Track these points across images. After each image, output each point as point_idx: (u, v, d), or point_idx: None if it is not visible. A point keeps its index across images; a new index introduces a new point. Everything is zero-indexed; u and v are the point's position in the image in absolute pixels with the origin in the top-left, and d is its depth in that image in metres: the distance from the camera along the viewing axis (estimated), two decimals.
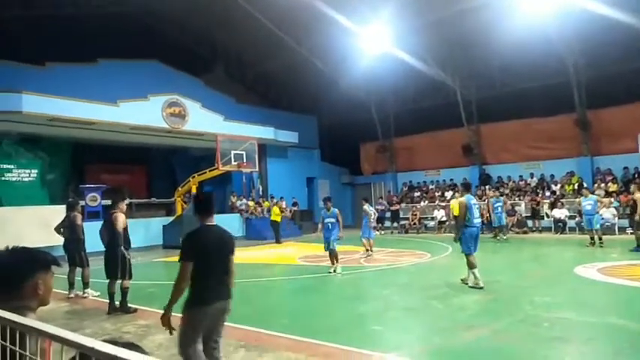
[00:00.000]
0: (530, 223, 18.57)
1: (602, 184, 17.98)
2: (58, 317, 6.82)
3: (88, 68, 16.63)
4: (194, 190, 18.22)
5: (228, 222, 20.04)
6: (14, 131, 15.95)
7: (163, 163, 24.36)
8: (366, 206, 13.24)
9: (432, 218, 20.97)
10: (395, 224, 21.84)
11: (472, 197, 8.32)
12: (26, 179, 16.40)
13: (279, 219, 18.18)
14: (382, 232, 20.68)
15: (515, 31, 15.89)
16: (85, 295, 8.46)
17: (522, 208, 19.04)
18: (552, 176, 20.17)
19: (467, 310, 6.46)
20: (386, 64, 19.24)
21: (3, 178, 15.94)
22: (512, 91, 19.98)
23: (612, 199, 16.72)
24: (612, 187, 17.88)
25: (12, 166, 16.22)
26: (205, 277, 3.41)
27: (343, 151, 26.42)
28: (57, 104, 14.57)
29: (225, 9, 19.43)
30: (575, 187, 18.63)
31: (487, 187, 20.09)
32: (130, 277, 7.17)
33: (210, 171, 18.01)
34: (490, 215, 16.47)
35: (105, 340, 1.09)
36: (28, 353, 1.30)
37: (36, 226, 12.94)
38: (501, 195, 18.00)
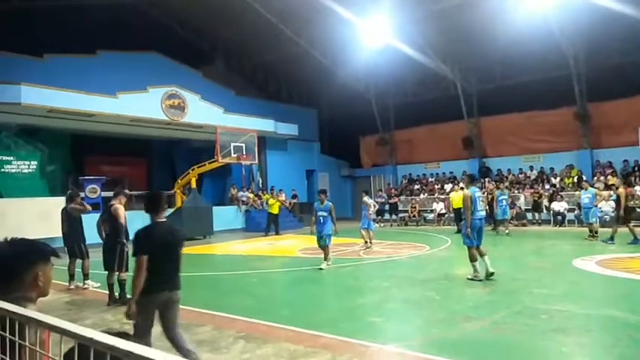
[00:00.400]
0: (530, 215, 18.59)
1: (602, 177, 17.98)
2: (58, 308, 6.85)
3: (87, 60, 16.57)
4: (194, 183, 18.23)
5: (228, 214, 20.13)
6: (13, 123, 15.93)
7: (163, 155, 24.33)
8: (366, 198, 13.25)
9: (432, 211, 21.00)
10: (394, 217, 21.87)
11: (477, 189, 8.25)
12: (26, 171, 16.38)
13: (275, 211, 18.18)
14: (382, 225, 20.71)
15: (515, 24, 15.81)
16: (85, 286, 8.49)
17: (522, 200, 19.05)
18: (552, 169, 20.17)
19: (466, 302, 6.48)
20: (386, 56, 19.15)
21: (2, 170, 15.91)
22: (513, 83, 19.93)
23: (612, 193, 16.70)
24: (612, 180, 17.86)
25: (11, 158, 16.20)
26: (155, 268, 3.67)
27: (343, 144, 26.38)
28: (56, 96, 14.54)
29: (224, 1, 19.31)
30: (575, 180, 18.64)
31: (487, 179, 20.07)
32: (127, 270, 7.17)
33: (209, 163, 18.00)
34: (492, 208, 16.42)
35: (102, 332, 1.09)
36: (27, 344, 1.31)
37: (35, 217, 12.96)
38: (506, 188, 17.93)
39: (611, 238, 11.92)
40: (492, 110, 21.17)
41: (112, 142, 20.37)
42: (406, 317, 6.14)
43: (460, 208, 16.87)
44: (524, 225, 17.94)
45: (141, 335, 3.57)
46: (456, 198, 17.33)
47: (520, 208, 18.61)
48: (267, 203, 19.24)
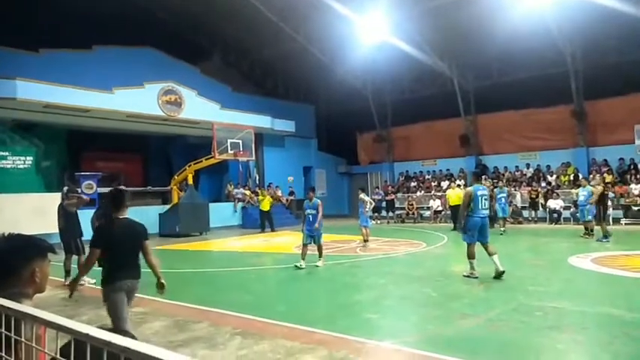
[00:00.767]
0: (526, 213, 18.65)
1: (598, 175, 18.04)
2: (54, 304, 6.83)
3: (83, 55, 16.49)
4: (190, 180, 18.19)
5: (224, 211, 20.10)
6: (9, 118, 15.83)
7: (159, 151, 24.26)
8: (362, 195, 13.23)
9: (428, 208, 21.04)
10: (390, 214, 21.92)
11: (480, 187, 8.06)
12: (21, 166, 16.28)
13: (266, 208, 18.13)
14: (379, 222, 20.74)
15: (513, 21, 15.82)
16: (82, 282, 8.45)
17: (518, 198, 19.10)
18: (548, 167, 20.23)
19: (462, 299, 6.50)
20: (383, 53, 19.14)
21: None
22: (510, 81, 19.96)
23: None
24: (608, 178, 17.95)
25: (7, 153, 16.08)
26: (115, 260, 4.01)
27: (340, 141, 26.36)
28: (52, 91, 14.48)
29: None
30: (571, 177, 18.70)
31: (483, 177, 20.08)
32: None
33: (206, 159, 17.96)
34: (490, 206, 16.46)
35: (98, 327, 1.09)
36: (23, 339, 1.30)
37: (31, 213, 12.91)
38: (504, 186, 17.96)
39: (605, 236, 11.97)
40: (489, 107, 21.19)
41: (108, 137, 20.30)
42: (402, 314, 6.16)
43: (458, 205, 17.11)
44: (520, 222, 18.00)
45: (117, 321, 3.88)
46: (453, 195, 17.40)
47: (516, 205, 18.66)
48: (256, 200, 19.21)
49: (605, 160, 18.80)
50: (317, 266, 9.45)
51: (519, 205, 18.81)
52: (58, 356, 1.18)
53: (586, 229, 13.04)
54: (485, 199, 7.92)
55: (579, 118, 19.12)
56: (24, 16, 16.86)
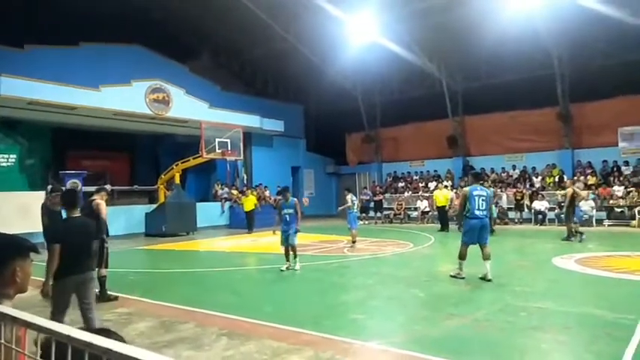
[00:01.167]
0: (512, 214, 18.84)
1: (582, 177, 18.31)
2: (36, 305, 6.71)
3: (69, 51, 16.23)
4: (177, 179, 18.04)
5: (212, 210, 19.98)
6: None
7: (147, 149, 24.04)
8: (348, 196, 13.22)
9: (416, 209, 21.15)
10: (378, 214, 21.99)
11: (477, 188, 7.87)
12: (4, 164, 15.99)
13: (248, 208, 17.92)
14: (366, 222, 20.79)
15: (502, 23, 15.94)
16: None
17: (504, 199, 19.28)
18: (534, 168, 20.46)
19: (448, 300, 6.54)
20: (373, 53, 19.19)
21: None
22: (498, 82, 20.13)
23: (590, 192, 17.06)
24: (591, 180, 18.23)
25: None
26: (66, 256, 4.20)
27: (329, 141, 26.37)
28: (36, 88, 14.24)
29: None
30: (556, 179, 18.95)
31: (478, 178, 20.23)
32: (107, 266, 7.05)
33: (194, 158, 17.82)
34: None
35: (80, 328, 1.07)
36: (2, 341, 1.28)
37: (14, 211, 12.70)
38: (490, 187, 18.10)
39: (577, 234, 12.29)
40: (477, 108, 21.36)
41: (95, 136, 20.02)
42: (389, 314, 6.18)
43: (444, 206, 17.25)
44: (506, 224, 18.19)
45: (56, 313, 4.16)
46: (440, 196, 17.53)
47: (502, 207, 18.85)
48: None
49: (590, 162, 19.08)
50: (296, 270, 9.15)
51: (505, 206, 19.01)
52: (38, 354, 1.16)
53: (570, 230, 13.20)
54: (482, 200, 7.73)
55: (565, 121, 19.38)
56: (8, 11, 16.57)
